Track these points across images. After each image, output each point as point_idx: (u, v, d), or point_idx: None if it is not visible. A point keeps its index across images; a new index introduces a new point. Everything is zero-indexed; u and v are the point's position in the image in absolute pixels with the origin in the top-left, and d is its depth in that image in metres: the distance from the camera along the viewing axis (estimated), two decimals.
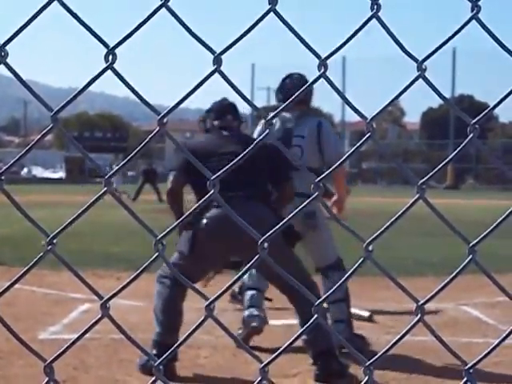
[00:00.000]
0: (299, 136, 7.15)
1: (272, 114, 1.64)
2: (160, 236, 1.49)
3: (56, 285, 9.75)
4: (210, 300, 1.50)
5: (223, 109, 6.58)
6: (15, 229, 18.84)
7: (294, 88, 6.92)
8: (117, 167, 1.52)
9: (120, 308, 7.59)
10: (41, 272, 9.77)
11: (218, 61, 1.40)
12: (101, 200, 1.51)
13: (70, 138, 1.50)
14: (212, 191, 1.51)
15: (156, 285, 6.36)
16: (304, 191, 6.52)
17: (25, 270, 1.49)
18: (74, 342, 1.48)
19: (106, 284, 9.63)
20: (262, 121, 6.94)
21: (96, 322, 1.46)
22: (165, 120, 1.52)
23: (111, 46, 1.41)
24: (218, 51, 1.40)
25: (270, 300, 7.66)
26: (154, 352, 5.91)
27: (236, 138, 6.33)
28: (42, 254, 1.47)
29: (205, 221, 6.03)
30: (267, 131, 1.52)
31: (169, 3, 1.39)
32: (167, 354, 1.54)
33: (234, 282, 1.66)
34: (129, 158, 1.52)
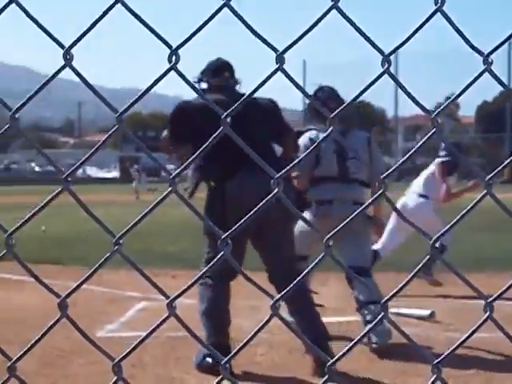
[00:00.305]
0: (353, 149, 7.29)
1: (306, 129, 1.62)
2: (225, 235, 1.49)
3: (113, 283, 9.83)
4: (275, 299, 1.50)
5: (220, 66, 6.37)
6: (71, 228, 19.09)
7: (327, 100, 7.11)
8: (181, 167, 1.53)
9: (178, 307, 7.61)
10: (99, 271, 9.86)
11: (280, 59, 1.40)
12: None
13: (134, 138, 1.52)
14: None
15: (198, 286, 6.26)
16: (357, 200, 7.08)
17: (92, 270, 1.51)
18: (142, 340, 1.49)
19: (162, 282, 9.68)
20: (307, 134, 7.27)
21: (163, 321, 1.47)
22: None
23: (174, 46, 1.42)
24: (280, 50, 1.40)
25: (316, 293, 7.51)
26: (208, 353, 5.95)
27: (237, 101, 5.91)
28: (109, 254, 1.49)
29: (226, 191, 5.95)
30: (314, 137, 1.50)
31: (230, 2, 1.39)
32: (234, 352, 1.54)
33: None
34: (192, 157, 1.52)
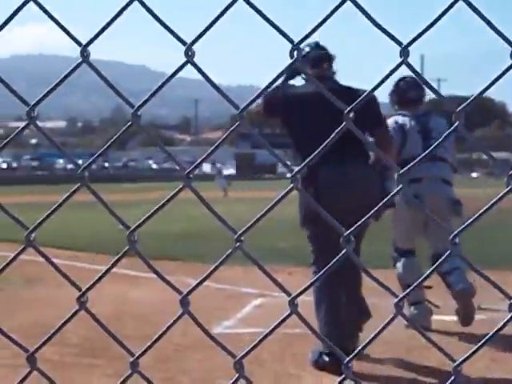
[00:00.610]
0: (438, 131, 7.55)
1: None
2: (348, 232, 1.47)
3: (229, 280, 9.91)
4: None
5: (320, 57, 6.35)
6: (189, 225, 19.36)
7: (408, 89, 7.67)
8: (303, 164, 1.51)
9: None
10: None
11: (405, 53, 1.37)
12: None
13: (256, 134, 1.51)
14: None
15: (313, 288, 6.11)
16: (445, 178, 7.57)
17: (214, 266, 1.51)
18: (264, 337, 1.48)
19: (279, 279, 9.71)
20: (393, 117, 7.59)
21: (285, 319, 1.46)
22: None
23: (296, 41, 1.41)
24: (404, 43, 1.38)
25: (430, 287, 7.45)
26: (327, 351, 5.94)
27: (336, 91, 5.83)
28: (230, 250, 1.49)
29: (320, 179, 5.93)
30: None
31: None
32: (357, 351, 1.51)
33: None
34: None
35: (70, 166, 77.30)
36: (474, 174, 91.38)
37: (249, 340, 6.80)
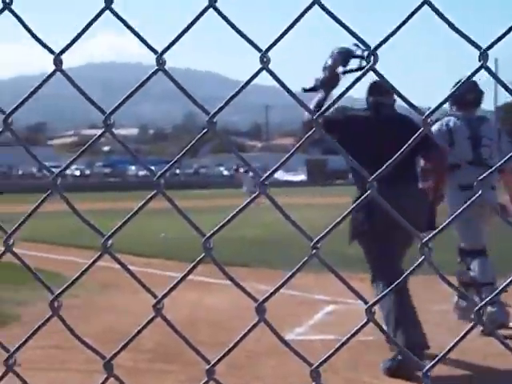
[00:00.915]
0: (488, 138, 7.79)
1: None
2: (427, 238, 1.45)
3: (302, 286, 9.88)
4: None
5: (379, 86, 6.62)
6: (259, 231, 19.39)
7: (467, 92, 7.77)
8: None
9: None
10: (286, 273, 9.96)
11: (484, 57, 1.34)
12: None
13: (331, 140, 1.50)
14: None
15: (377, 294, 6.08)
16: (493, 185, 7.61)
17: (291, 273, 1.51)
18: (342, 345, 1.47)
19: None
20: (445, 119, 7.77)
21: (363, 326, 1.45)
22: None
23: (373, 47, 1.39)
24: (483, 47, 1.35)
25: (506, 291, 7.34)
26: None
27: (394, 118, 6.71)
28: (307, 257, 1.48)
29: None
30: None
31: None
32: (436, 360, 1.49)
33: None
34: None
35: (142, 173, 78.11)
36: None
37: (321, 347, 6.78)
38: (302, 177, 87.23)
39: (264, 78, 1.53)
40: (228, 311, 8.77)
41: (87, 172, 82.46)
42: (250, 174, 43.06)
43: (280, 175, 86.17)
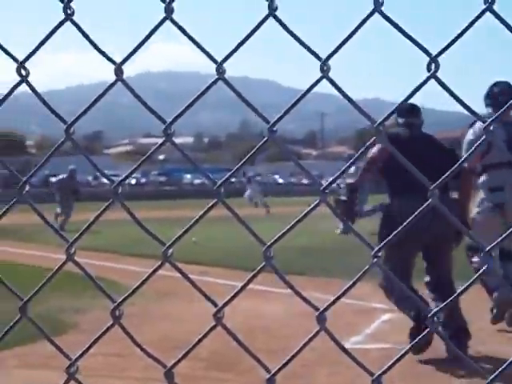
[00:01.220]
0: None
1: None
2: (490, 246, 1.43)
3: (358, 294, 9.84)
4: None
5: (412, 108, 7.52)
6: (314, 238, 19.32)
7: (500, 94, 7.89)
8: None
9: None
10: (343, 282, 9.90)
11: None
12: None
13: (391, 146, 1.49)
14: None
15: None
16: None
17: (352, 282, 1.50)
18: (404, 354, 1.45)
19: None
20: (477, 124, 7.73)
21: (425, 335, 1.43)
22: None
23: (434, 54, 1.38)
24: None
25: None
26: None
27: (424, 138, 7.48)
28: (368, 266, 1.47)
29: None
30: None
31: None
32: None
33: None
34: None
35: (197, 182, 78.34)
36: None
37: (378, 356, 6.73)
38: None
39: (318, 85, 1.53)
40: (282, 319, 8.77)
41: (143, 180, 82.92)
42: (255, 180, 42.45)
43: (341, 182, 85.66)
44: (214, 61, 1.51)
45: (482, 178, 8.00)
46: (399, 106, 6.99)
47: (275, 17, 1.47)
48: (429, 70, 1.39)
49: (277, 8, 1.48)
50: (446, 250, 7.31)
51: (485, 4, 1.39)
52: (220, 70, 1.50)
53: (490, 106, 8.09)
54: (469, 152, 1.62)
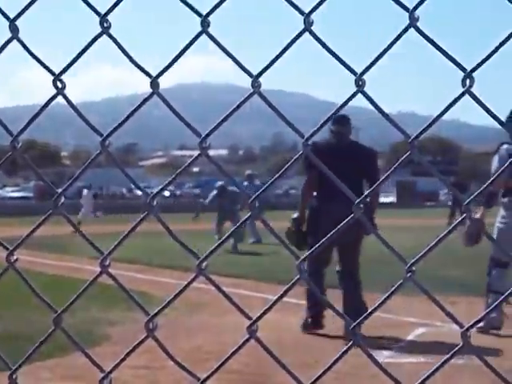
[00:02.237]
0: None
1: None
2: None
3: (390, 308, 9.80)
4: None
5: (340, 117, 8.35)
6: (370, 252, 19.20)
7: None
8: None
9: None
10: (377, 296, 9.86)
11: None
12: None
13: (426, 162, 1.49)
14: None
15: None
16: None
17: (385, 296, 1.50)
18: (437, 369, 1.45)
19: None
20: (505, 145, 8.27)
21: (458, 350, 1.42)
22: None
23: (468, 70, 1.38)
24: None
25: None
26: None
27: (350, 146, 8.50)
28: (402, 281, 1.46)
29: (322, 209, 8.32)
30: None
31: None
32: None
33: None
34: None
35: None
36: None
37: (410, 370, 6.68)
38: (391, 198, 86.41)
39: (352, 99, 1.54)
40: (312, 332, 8.76)
41: (178, 192, 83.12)
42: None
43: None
44: (250, 74, 1.52)
45: (506, 199, 8.60)
46: (335, 117, 7.57)
47: (311, 32, 1.48)
48: (463, 85, 1.39)
49: (313, 23, 1.49)
50: (355, 246, 8.51)
51: None
52: (255, 84, 1.51)
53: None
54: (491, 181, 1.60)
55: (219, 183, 23.16)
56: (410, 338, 8.59)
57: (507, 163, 1.53)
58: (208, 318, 9.80)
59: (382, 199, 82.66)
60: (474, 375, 6.15)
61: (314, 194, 8.63)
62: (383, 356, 7.52)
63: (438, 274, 14.31)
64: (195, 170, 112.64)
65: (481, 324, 8.27)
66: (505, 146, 8.35)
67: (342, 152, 8.11)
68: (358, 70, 1.47)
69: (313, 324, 8.86)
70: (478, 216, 8.58)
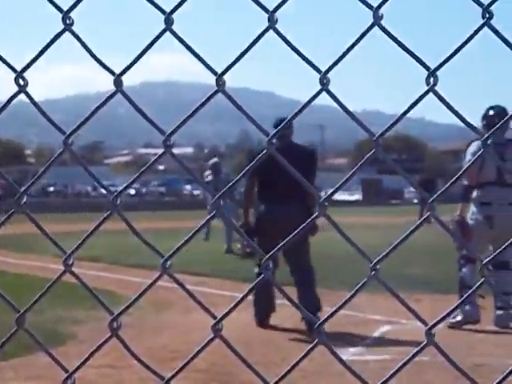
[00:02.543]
0: (510, 159, 8.59)
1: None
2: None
3: (357, 306, 9.84)
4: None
5: (280, 121, 8.53)
6: (335, 251, 19.30)
7: (496, 116, 8.68)
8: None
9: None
10: (343, 294, 9.90)
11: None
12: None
13: (390, 160, 1.49)
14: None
15: None
16: None
17: (350, 295, 1.50)
18: (403, 365, 1.45)
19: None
20: (475, 142, 8.54)
21: (422, 349, 1.42)
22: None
23: (432, 68, 1.39)
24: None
25: (483, 297, 8.58)
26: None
27: (291, 147, 8.65)
28: (366, 279, 1.47)
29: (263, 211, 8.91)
30: None
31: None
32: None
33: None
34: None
35: (197, 192, 78.27)
36: None
37: (375, 367, 6.72)
38: (357, 196, 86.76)
39: (319, 98, 1.53)
40: (281, 330, 8.77)
41: (143, 191, 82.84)
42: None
43: (336, 195, 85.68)
44: (214, 72, 1.51)
45: (475, 194, 8.94)
46: (276, 120, 7.75)
47: (275, 29, 1.47)
48: (427, 83, 1.39)
49: (277, 21, 1.48)
50: (300, 246, 8.62)
51: (483, 19, 1.40)
52: (220, 81, 1.50)
53: (486, 128, 8.69)
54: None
55: (213, 160, 21.58)
56: (375, 335, 8.63)
57: (474, 157, 1.57)
58: (175, 317, 9.77)
59: (348, 197, 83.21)
60: (439, 372, 6.19)
61: (258, 196, 9.09)
62: (349, 353, 7.54)
63: (403, 271, 14.38)
64: (161, 168, 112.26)
65: (458, 318, 8.71)
66: (476, 142, 8.60)
67: (283, 154, 8.28)
68: (323, 69, 1.47)
69: (259, 322, 9.11)
70: (457, 212, 8.93)
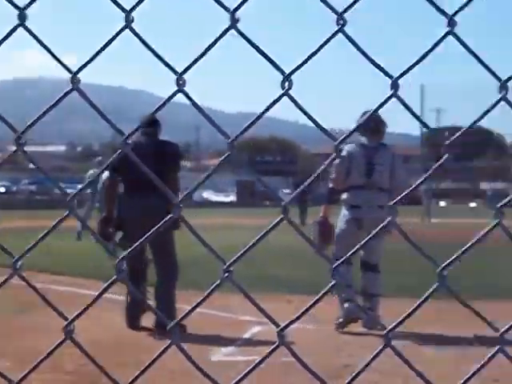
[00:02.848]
0: (381, 164, 8.95)
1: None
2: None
3: (227, 307, 9.88)
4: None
5: (150, 119, 8.99)
6: (185, 253, 19.23)
7: (369, 121, 8.50)
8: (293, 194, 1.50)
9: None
10: (212, 295, 9.88)
11: (395, 86, 1.37)
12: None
13: (244, 161, 1.50)
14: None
15: None
16: (381, 204, 8.70)
17: (203, 297, 1.50)
18: (255, 366, 1.47)
19: (277, 307, 9.68)
20: (346, 146, 8.61)
21: (274, 350, 1.45)
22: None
23: (287, 72, 1.40)
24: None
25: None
26: None
27: (155, 143, 9.12)
28: (218, 281, 1.47)
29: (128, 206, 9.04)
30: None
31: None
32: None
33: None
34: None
35: (69, 191, 76.90)
36: (473, 204, 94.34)
37: (245, 368, 6.75)
38: (231, 197, 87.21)
39: (197, 99, 1.53)
40: (151, 331, 8.73)
41: (14, 189, 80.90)
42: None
43: (210, 195, 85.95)
44: (69, 71, 1.49)
45: (344, 196, 9.08)
46: (142, 119, 8.04)
47: (133, 31, 1.46)
48: (283, 87, 1.41)
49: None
50: (163, 243, 8.94)
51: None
52: (74, 80, 1.48)
53: (359, 132, 8.91)
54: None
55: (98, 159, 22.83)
56: (246, 336, 8.67)
57: (335, 162, 1.59)
58: (40, 317, 9.56)
59: (223, 199, 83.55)
60: (302, 373, 6.28)
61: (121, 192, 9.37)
62: (221, 354, 7.56)
63: (276, 273, 14.55)
64: (31, 166, 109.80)
65: (340, 319, 8.89)
66: (345, 147, 8.78)
67: (148, 148, 8.85)
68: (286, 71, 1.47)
69: (130, 324, 9.06)
70: (321, 214, 9.03)
